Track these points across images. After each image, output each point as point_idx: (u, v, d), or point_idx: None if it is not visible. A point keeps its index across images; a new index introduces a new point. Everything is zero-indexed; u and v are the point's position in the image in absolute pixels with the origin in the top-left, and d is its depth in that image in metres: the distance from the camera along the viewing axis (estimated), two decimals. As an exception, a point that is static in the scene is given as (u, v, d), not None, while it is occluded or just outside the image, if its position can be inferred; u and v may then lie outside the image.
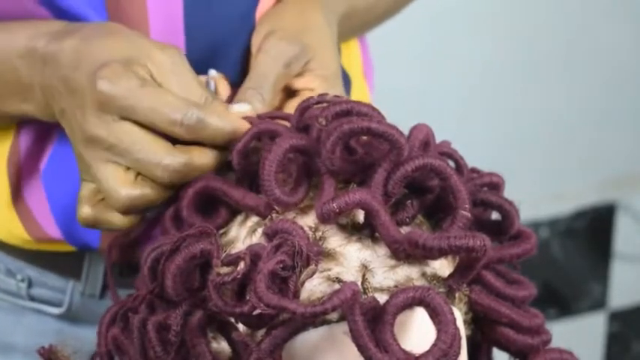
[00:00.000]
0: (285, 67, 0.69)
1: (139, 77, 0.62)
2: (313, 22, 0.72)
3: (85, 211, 0.65)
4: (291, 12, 0.73)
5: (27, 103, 0.68)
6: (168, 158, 0.62)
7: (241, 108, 0.66)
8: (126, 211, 0.64)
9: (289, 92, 0.70)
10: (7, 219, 0.78)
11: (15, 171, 0.76)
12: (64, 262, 0.81)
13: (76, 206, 0.69)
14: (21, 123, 0.75)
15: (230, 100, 0.69)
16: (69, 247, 0.78)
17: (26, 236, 0.78)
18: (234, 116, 0.65)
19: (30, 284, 0.83)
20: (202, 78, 0.69)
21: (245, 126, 0.64)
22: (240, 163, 0.63)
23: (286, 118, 0.66)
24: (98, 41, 0.64)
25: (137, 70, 0.62)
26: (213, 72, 0.71)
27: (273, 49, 0.69)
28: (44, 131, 0.74)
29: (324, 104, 0.61)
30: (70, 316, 0.84)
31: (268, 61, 0.69)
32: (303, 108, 0.63)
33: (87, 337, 0.82)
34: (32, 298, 0.84)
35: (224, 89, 0.70)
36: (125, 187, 0.62)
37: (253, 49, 0.72)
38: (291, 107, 0.68)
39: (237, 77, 0.72)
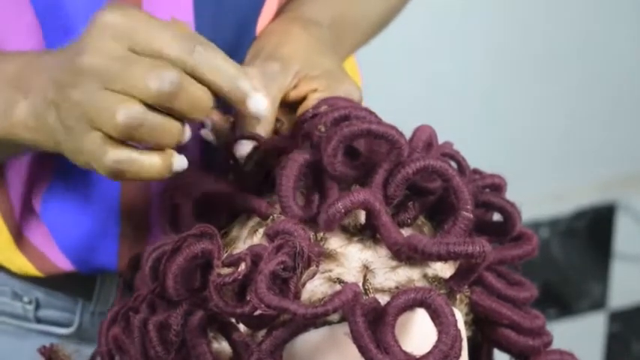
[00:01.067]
0: (272, 80, 0.67)
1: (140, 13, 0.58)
2: (290, 35, 0.71)
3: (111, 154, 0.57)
4: (271, 33, 0.72)
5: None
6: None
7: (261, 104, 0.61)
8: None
9: (292, 106, 0.69)
10: (13, 259, 0.77)
11: (10, 215, 0.75)
12: (74, 283, 0.79)
13: (83, 237, 0.69)
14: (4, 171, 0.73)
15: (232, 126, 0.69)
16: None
17: (36, 272, 0.77)
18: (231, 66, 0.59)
19: (37, 306, 0.82)
20: None
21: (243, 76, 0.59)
22: (246, 183, 0.63)
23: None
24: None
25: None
26: None
27: (252, 72, 0.67)
28: (36, 168, 0.72)
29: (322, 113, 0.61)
30: (79, 336, 0.83)
31: (257, 84, 0.67)
32: (301, 121, 0.63)
33: None
34: (39, 320, 0.82)
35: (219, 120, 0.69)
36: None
37: None
38: (299, 113, 0.67)
39: None
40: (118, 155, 0.56)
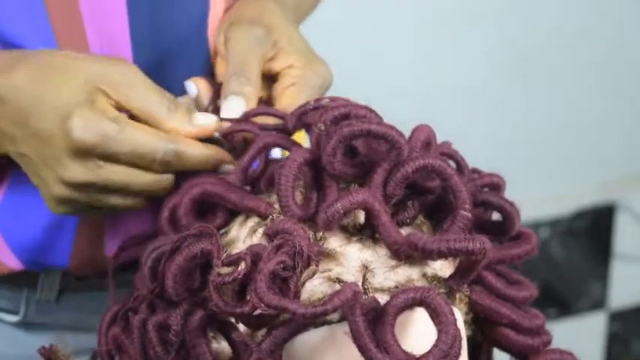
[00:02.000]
0: (257, 45, 0.69)
1: (110, 119, 0.62)
2: (268, 9, 0.73)
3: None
4: (245, 6, 0.74)
5: None
6: (160, 183, 0.65)
7: (206, 120, 0.66)
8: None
9: (270, 77, 0.71)
10: None
11: None
12: (18, 277, 0.79)
13: (35, 236, 0.71)
14: None
15: (216, 96, 0.70)
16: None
17: None
18: (205, 146, 0.66)
19: None
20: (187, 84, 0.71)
21: (218, 152, 0.66)
22: (243, 178, 0.63)
23: (277, 115, 0.67)
24: (46, 81, 0.63)
25: (104, 108, 0.63)
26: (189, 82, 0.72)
27: (240, 33, 0.70)
28: None
29: (321, 109, 0.62)
30: (26, 324, 0.83)
31: (241, 46, 0.70)
32: (300, 113, 0.63)
33: (42, 343, 0.82)
34: None
35: (206, 89, 0.71)
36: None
37: (218, 46, 0.73)
38: (278, 91, 0.69)
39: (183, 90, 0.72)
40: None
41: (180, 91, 0.71)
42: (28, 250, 0.75)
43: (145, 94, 0.64)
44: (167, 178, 0.65)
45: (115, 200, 0.65)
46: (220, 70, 0.73)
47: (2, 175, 0.74)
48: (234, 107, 0.68)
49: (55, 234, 0.74)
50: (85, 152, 0.62)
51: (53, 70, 0.63)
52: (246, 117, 0.67)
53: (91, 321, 0.82)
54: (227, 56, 0.70)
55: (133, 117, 0.65)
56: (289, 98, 0.69)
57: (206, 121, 0.66)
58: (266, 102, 0.71)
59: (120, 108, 0.64)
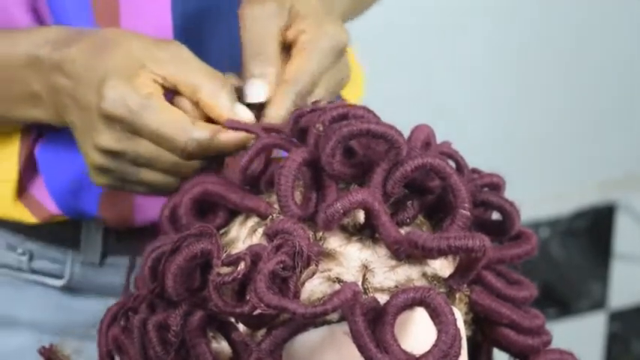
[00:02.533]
0: (272, 21, 0.68)
1: (142, 95, 0.64)
2: None
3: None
4: None
5: (37, 109, 0.71)
6: (185, 165, 0.66)
7: (244, 114, 0.67)
8: None
9: (288, 46, 0.69)
10: (12, 208, 0.80)
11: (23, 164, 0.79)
12: (61, 233, 0.82)
13: (69, 179, 0.76)
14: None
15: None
16: (65, 218, 0.80)
17: (32, 219, 0.80)
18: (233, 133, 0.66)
19: (31, 257, 0.84)
20: None
21: (246, 137, 0.66)
22: (244, 179, 0.63)
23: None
24: (98, 53, 0.66)
25: (139, 83, 0.64)
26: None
27: (255, 10, 0.69)
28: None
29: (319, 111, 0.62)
30: (72, 288, 0.85)
31: (256, 24, 0.68)
32: (297, 115, 0.63)
33: (88, 308, 0.85)
34: (34, 271, 0.85)
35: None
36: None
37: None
38: (295, 61, 0.68)
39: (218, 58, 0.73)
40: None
41: (216, 61, 0.71)
42: (63, 192, 0.79)
43: (191, 71, 0.66)
44: (192, 164, 0.66)
45: (146, 175, 0.67)
46: None
47: (45, 126, 0.76)
48: (257, 92, 0.67)
49: (85, 178, 0.76)
50: (114, 122, 0.64)
51: (105, 45, 0.66)
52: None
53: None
54: (243, 36, 0.69)
55: (179, 94, 0.66)
56: (297, 65, 0.67)
57: (244, 115, 0.66)
58: None
59: (167, 86, 0.66)
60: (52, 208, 0.80)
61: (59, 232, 0.83)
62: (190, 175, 0.66)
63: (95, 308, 0.82)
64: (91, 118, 0.65)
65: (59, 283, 0.85)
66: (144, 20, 0.74)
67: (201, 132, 0.64)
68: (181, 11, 0.75)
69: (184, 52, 0.67)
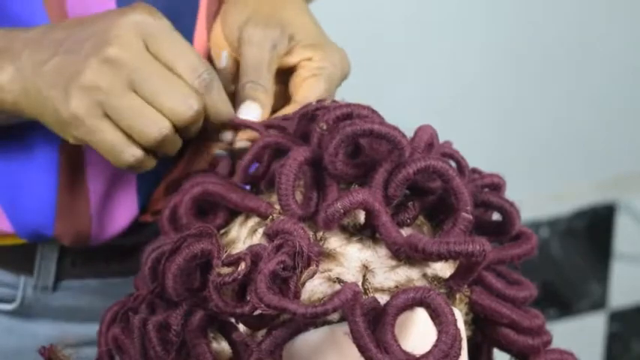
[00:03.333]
0: (272, 50, 0.69)
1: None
2: (283, 1, 0.73)
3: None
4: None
5: None
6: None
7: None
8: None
9: (285, 71, 0.71)
10: None
11: None
12: (15, 257, 0.80)
13: (20, 195, 0.72)
14: None
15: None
16: (20, 241, 0.78)
17: None
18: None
19: None
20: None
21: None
22: (244, 178, 0.63)
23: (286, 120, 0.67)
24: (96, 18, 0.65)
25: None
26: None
27: (255, 36, 0.70)
28: None
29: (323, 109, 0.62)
30: (23, 312, 0.83)
31: (255, 51, 0.69)
32: (302, 114, 0.63)
33: (40, 332, 0.83)
34: None
35: (233, 64, 0.72)
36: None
37: (228, 41, 0.72)
38: (297, 82, 0.69)
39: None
40: (138, 154, 0.63)
41: None
42: (15, 209, 0.76)
43: (181, 47, 0.65)
44: (174, 139, 0.64)
45: (131, 109, 0.63)
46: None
47: None
48: (251, 113, 0.68)
49: (39, 192, 0.75)
50: (137, 34, 0.63)
51: (95, 16, 0.65)
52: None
53: (89, 310, 0.82)
54: (241, 58, 0.70)
55: None
56: (309, 89, 0.69)
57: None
58: (282, 95, 0.71)
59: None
60: (4, 226, 0.77)
61: (11, 256, 0.80)
62: (168, 152, 0.65)
63: (49, 333, 0.82)
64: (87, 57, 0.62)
65: (10, 307, 0.83)
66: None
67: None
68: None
69: (176, 32, 0.66)
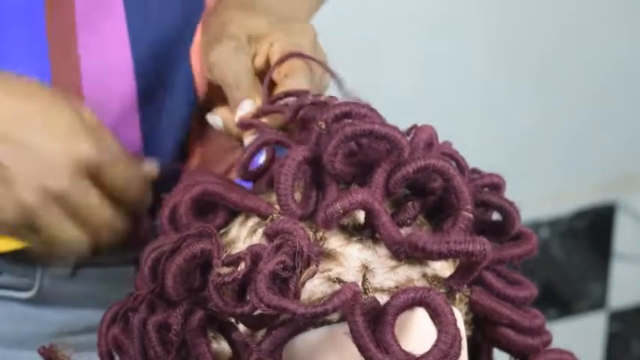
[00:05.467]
0: (238, 56, 0.70)
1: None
2: (225, 17, 0.74)
3: None
4: (208, 24, 0.76)
5: None
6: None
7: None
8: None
9: (262, 70, 0.71)
10: None
11: None
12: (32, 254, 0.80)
13: None
14: None
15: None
16: None
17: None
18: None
19: None
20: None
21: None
22: (244, 175, 0.63)
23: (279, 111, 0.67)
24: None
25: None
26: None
27: (219, 54, 0.71)
28: None
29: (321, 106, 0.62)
30: (39, 300, 0.83)
31: (228, 64, 0.70)
32: (297, 107, 0.63)
33: (55, 319, 0.83)
34: (0, 286, 0.83)
35: (229, 117, 0.72)
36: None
37: (204, 69, 0.74)
38: (278, 80, 0.69)
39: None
40: None
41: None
42: None
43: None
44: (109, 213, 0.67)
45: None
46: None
47: None
48: (250, 108, 0.69)
49: None
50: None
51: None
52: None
53: (105, 296, 0.82)
54: (221, 79, 0.71)
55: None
56: (292, 65, 0.69)
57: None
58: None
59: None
60: None
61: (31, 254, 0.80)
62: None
63: (64, 320, 0.83)
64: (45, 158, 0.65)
65: (26, 295, 0.83)
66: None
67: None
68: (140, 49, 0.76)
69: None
